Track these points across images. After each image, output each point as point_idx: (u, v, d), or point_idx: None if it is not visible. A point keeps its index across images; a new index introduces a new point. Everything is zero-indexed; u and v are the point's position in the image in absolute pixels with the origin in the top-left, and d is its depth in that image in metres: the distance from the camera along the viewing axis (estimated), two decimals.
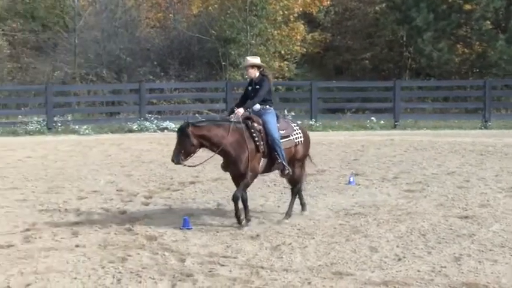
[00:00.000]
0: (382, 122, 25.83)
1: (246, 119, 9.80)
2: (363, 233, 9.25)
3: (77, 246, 8.64)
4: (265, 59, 32.69)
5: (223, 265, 7.73)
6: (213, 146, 9.60)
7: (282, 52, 33.86)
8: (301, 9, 34.12)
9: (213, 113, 27.21)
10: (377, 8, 37.57)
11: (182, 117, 26.63)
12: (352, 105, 27.68)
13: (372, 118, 25.89)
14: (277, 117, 10.07)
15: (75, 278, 7.26)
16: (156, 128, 24.87)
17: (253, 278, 7.24)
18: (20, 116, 26.51)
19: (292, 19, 33.95)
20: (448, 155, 17.22)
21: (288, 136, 10.04)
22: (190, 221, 9.76)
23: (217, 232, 9.37)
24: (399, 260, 7.92)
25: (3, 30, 36.34)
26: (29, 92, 30.71)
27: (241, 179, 9.66)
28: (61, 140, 22.43)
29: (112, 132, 24.90)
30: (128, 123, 25.69)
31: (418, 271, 7.47)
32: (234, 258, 8.05)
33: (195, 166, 10.20)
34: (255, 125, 9.74)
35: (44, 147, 19.94)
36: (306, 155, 10.57)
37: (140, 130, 24.79)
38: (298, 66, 35.27)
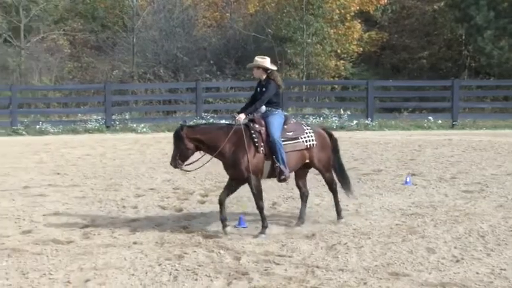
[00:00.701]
0: (439, 121, 25.51)
1: (250, 120, 9.58)
2: (420, 233, 9.14)
3: (134, 243, 8.76)
4: (322, 58, 32.66)
5: (278, 264, 7.73)
6: (210, 149, 9.39)
7: (338, 51, 33.71)
8: (358, 7, 33.87)
9: None
10: (435, 6, 37.07)
11: None
12: (409, 104, 27.40)
13: (429, 118, 25.59)
14: (286, 118, 9.70)
15: (133, 275, 7.36)
16: None
17: (309, 277, 7.23)
18: (79, 115, 27.09)
19: (348, 18, 33.76)
20: (508, 155, 16.89)
21: (297, 138, 9.57)
22: (246, 219, 9.80)
23: (272, 231, 9.37)
24: (457, 261, 7.80)
25: (64, 30, 37.12)
26: (88, 90, 31.25)
27: (244, 182, 9.44)
28: (119, 138, 22.78)
29: (169, 130, 25.07)
30: (185, 121, 25.84)
31: (477, 273, 7.34)
32: (289, 257, 8.04)
33: (189, 171, 9.80)
34: (256, 126, 9.42)
35: (103, 145, 20.28)
36: (328, 159, 9.98)
37: None
38: (355, 65, 35.08)
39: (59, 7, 37.81)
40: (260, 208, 9.34)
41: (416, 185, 12.87)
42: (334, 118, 25.44)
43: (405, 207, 10.87)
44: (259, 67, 9.75)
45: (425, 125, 25.23)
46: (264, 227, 9.24)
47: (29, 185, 13.39)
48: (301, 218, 9.79)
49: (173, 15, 35.48)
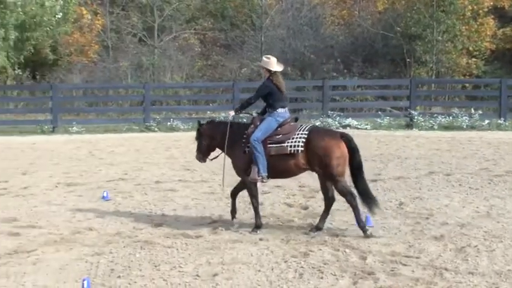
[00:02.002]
0: None
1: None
2: None
3: (260, 239, 8.88)
4: (452, 56, 31.83)
5: (405, 265, 7.62)
6: (217, 146, 10.06)
7: (470, 49, 32.73)
8: (491, 3, 32.76)
9: (396, 111, 26.88)
10: None
11: (364, 115, 26.58)
12: None
13: None
14: (285, 120, 9.49)
15: (259, 271, 7.46)
16: (338, 125, 24.94)
17: (437, 280, 7.08)
18: (208, 112, 27.67)
19: (481, 14, 32.70)
20: None
21: (282, 142, 9.28)
22: (372, 219, 9.70)
23: (399, 231, 9.24)
24: None
25: (195, 29, 38.07)
26: (217, 88, 31.80)
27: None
28: None
29: None
30: (311, 119, 25.95)
31: None
32: (417, 258, 7.90)
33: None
34: (251, 127, 9.58)
35: None
36: (325, 165, 9.10)
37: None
38: (487, 63, 33.90)
39: (190, 7, 38.84)
40: (253, 206, 9.67)
41: None
42: (464, 117, 24.74)
43: None
44: (263, 67, 9.80)
45: None
46: (257, 226, 9.48)
47: (160, 180, 13.86)
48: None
49: (301, 13, 35.61)
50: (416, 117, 25.06)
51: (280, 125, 9.44)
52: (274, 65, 9.64)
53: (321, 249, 8.31)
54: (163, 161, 16.70)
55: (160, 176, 14.32)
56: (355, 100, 29.45)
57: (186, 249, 8.44)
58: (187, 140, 21.51)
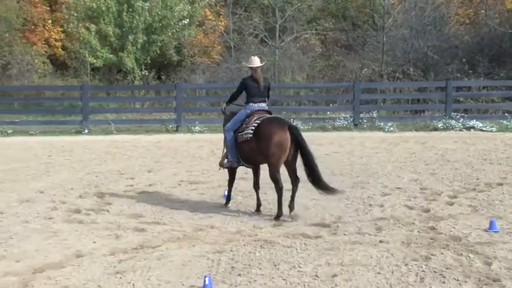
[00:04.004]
0: None
1: None
2: None
3: (380, 241, 8.76)
4: None
5: None
6: None
7: None
8: None
9: None
10: None
11: (489, 117, 25.75)
12: None
13: None
14: (252, 112, 10.60)
15: (379, 273, 7.38)
16: (461, 126, 24.31)
17: None
18: (328, 112, 27.61)
19: None
20: None
21: (243, 131, 10.50)
22: (498, 224, 9.39)
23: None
24: None
25: (316, 29, 38.11)
26: (337, 89, 31.60)
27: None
28: (366, 136, 22.88)
29: (416, 130, 24.81)
30: (433, 121, 25.43)
31: None
32: None
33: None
34: None
35: (350, 143, 20.51)
36: (265, 154, 10.25)
37: (445, 129, 24.41)
38: None
39: (312, 7, 38.92)
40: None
41: None
42: None
43: None
44: (247, 65, 10.99)
45: None
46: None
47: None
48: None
49: (424, 13, 34.92)
50: None
51: (248, 116, 10.61)
52: (255, 62, 10.91)
53: (443, 253, 8.12)
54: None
55: None
56: (480, 101, 28.59)
57: (305, 249, 8.46)
58: (306, 140, 21.58)
